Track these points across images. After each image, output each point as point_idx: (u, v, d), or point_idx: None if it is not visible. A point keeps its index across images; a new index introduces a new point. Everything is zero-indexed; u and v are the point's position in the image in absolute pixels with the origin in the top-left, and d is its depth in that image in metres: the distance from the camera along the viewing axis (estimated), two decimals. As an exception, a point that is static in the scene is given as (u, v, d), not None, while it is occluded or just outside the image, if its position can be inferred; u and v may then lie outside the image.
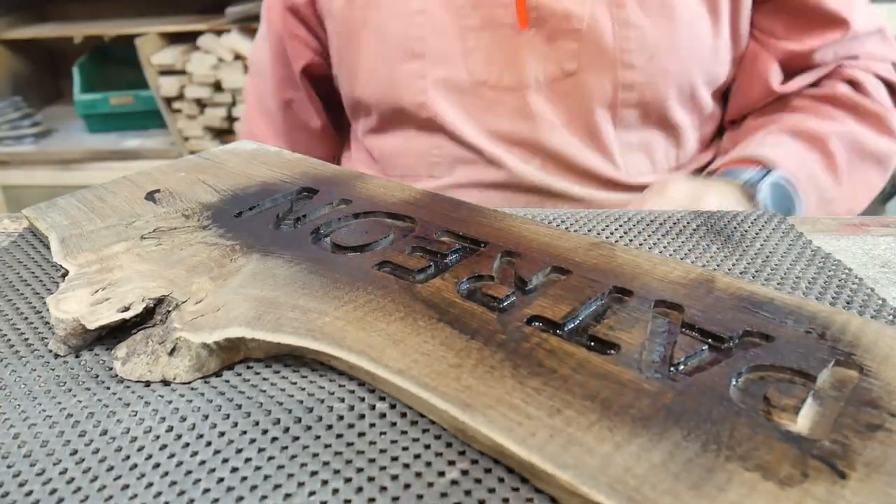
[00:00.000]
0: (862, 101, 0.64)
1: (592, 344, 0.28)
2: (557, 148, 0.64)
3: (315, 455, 0.24)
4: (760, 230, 0.41)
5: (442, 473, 0.23)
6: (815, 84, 0.66)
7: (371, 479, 0.23)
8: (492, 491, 0.23)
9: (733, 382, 0.25)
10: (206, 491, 0.23)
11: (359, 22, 0.66)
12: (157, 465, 0.24)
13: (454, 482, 0.23)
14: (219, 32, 1.72)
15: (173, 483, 0.23)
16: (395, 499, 0.22)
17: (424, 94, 0.64)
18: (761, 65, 0.65)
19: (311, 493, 0.23)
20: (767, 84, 0.65)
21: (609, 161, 0.65)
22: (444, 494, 0.22)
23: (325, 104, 0.78)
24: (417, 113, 0.65)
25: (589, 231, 0.41)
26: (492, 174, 0.65)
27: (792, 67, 0.65)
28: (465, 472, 0.23)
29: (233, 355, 0.29)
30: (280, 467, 0.24)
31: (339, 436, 0.25)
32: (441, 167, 0.67)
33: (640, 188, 0.65)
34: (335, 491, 0.23)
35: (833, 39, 0.63)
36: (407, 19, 0.63)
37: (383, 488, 0.23)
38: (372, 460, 0.24)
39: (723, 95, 0.69)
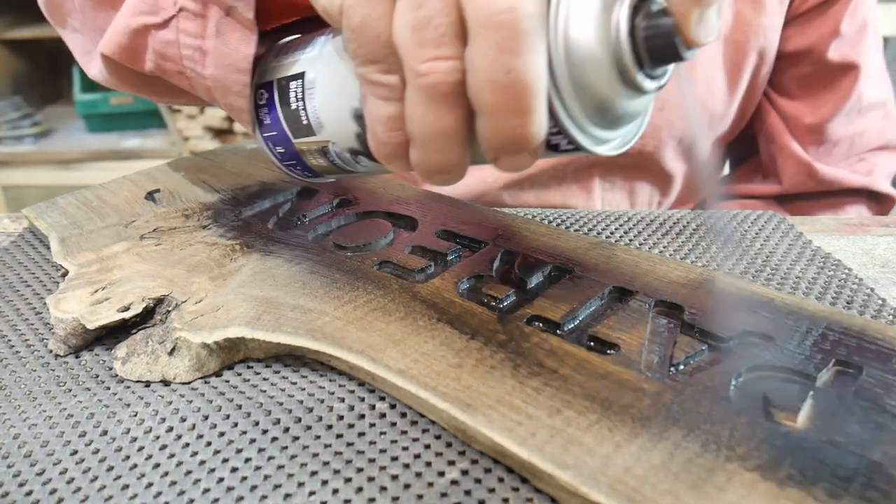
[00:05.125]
0: None
1: (592, 344, 0.28)
2: (535, 177, 0.60)
3: (315, 455, 0.24)
4: (760, 230, 0.41)
5: (442, 473, 0.23)
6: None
7: (371, 479, 0.23)
8: (492, 491, 0.23)
9: (733, 382, 0.25)
10: (206, 491, 0.23)
11: None
12: (157, 465, 0.24)
13: (454, 482, 0.23)
14: (219, 32, 1.72)
15: (173, 483, 0.23)
16: (395, 499, 0.22)
17: None
18: (787, 141, 0.62)
19: (311, 493, 0.23)
20: (807, 165, 0.61)
21: (586, 198, 0.62)
22: (444, 494, 0.22)
23: None
24: None
25: (589, 231, 0.41)
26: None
27: (808, 148, 0.62)
28: (465, 472, 0.23)
29: (233, 355, 0.29)
30: (280, 467, 0.24)
31: (339, 436, 0.25)
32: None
33: None
34: (335, 491, 0.23)
35: (843, 95, 0.59)
36: None
37: (383, 488, 0.23)
38: (372, 460, 0.24)
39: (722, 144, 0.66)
